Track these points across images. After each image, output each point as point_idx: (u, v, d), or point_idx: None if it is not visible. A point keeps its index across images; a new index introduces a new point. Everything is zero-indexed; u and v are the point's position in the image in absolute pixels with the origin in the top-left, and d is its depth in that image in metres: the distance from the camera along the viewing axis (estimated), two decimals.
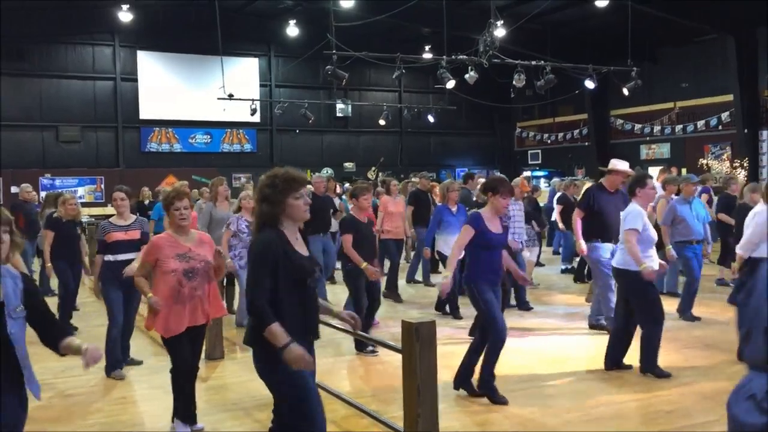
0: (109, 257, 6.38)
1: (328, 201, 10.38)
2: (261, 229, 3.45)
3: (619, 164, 7.74)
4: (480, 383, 5.53)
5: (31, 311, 3.03)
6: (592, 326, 7.95)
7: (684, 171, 18.77)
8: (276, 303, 3.32)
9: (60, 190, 13.12)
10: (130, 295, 6.48)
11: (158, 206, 11.94)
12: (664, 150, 23.97)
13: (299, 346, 3.24)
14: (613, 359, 6.30)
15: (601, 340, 6.84)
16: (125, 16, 21.86)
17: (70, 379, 6.21)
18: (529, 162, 29.03)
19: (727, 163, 20.28)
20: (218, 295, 5.11)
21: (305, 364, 3.27)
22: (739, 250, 6.56)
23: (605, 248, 7.63)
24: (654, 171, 21.77)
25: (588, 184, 10.13)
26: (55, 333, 3.12)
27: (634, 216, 6.12)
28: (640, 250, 5.97)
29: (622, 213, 6.38)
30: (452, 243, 8.96)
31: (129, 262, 6.33)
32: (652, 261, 6.07)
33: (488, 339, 5.48)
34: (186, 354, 4.80)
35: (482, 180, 10.59)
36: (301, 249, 3.50)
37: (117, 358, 6.41)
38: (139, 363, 6.73)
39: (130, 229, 6.49)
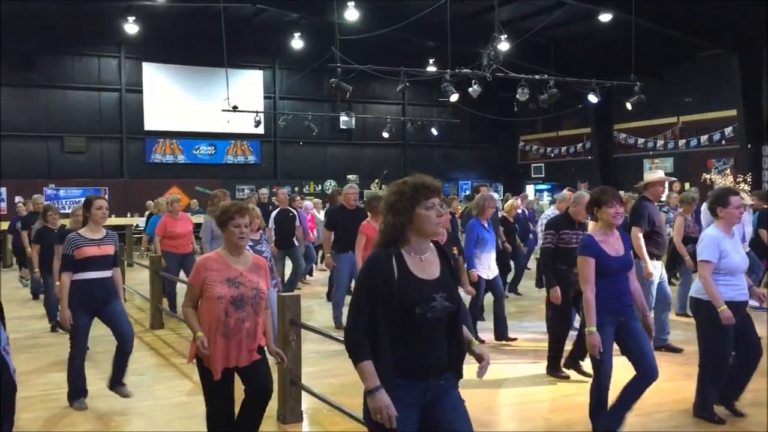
0: (78, 276, 5.58)
1: (360, 215, 8.71)
2: (381, 245, 2.96)
3: (653, 174, 7.54)
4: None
5: None
6: (657, 347, 6.92)
7: (687, 186, 18.77)
8: (375, 334, 2.83)
9: (48, 202, 12.36)
10: (111, 314, 5.73)
11: (153, 220, 11.53)
12: (667, 164, 23.94)
13: (384, 397, 2.77)
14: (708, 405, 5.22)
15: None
16: (131, 28, 22.01)
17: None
18: (533, 175, 29.03)
19: (731, 178, 20.26)
20: (262, 336, 4.35)
21: (384, 419, 2.78)
22: None
23: (657, 266, 7.23)
24: None
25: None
26: None
27: (708, 244, 5.07)
28: (717, 279, 5.02)
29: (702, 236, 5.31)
30: (488, 262, 7.90)
31: (102, 280, 5.67)
32: (734, 289, 5.05)
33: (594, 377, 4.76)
34: (224, 402, 4.20)
35: (484, 189, 10.54)
36: (426, 271, 2.95)
37: (80, 388, 5.78)
38: (128, 396, 5.90)
39: (103, 243, 5.72)
